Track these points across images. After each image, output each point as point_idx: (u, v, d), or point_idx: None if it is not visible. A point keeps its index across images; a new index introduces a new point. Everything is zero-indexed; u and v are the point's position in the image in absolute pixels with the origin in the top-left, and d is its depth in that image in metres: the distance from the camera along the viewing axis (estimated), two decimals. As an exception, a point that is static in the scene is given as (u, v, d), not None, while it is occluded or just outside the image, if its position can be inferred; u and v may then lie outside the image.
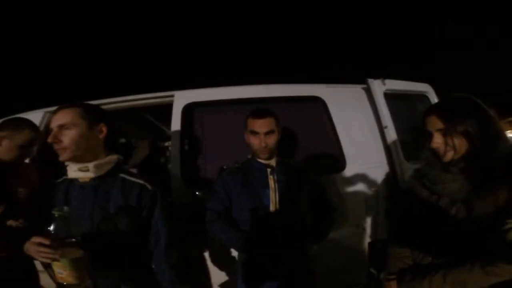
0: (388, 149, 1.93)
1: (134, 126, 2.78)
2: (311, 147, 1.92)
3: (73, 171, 1.06)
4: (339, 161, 1.90)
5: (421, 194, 1.04)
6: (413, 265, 1.05)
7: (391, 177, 1.92)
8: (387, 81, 2.04)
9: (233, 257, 1.68)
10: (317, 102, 1.99)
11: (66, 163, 1.08)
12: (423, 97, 2.32)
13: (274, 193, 1.37)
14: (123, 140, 2.57)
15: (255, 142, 1.40)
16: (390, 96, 2.02)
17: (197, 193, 1.79)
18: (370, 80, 2.03)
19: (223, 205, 1.42)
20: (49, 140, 1.02)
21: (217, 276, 1.80)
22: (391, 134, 1.91)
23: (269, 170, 1.41)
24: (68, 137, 1.02)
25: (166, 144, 2.63)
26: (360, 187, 1.90)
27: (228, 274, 1.79)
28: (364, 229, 1.91)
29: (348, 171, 1.89)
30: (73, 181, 1.08)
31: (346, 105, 2.02)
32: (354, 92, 2.11)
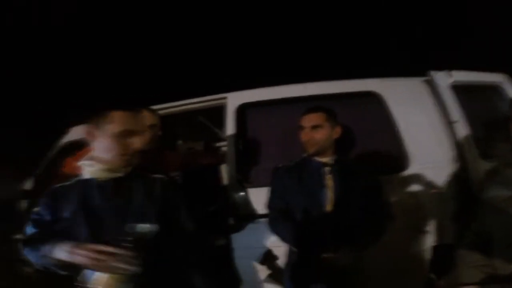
0: (458, 146, 1.75)
1: (189, 129, 2.94)
2: (369, 146, 1.83)
3: (98, 171, 1.03)
4: (401, 161, 1.77)
5: (501, 194, 0.92)
6: (494, 275, 0.93)
7: (461, 177, 1.74)
8: (454, 73, 1.87)
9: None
10: (374, 98, 1.90)
11: (87, 162, 1.05)
12: (497, 88, 2.07)
13: (331, 192, 1.33)
14: (180, 142, 2.74)
15: (302, 137, 1.41)
16: (458, 89, 1.84)
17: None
18: (433, 72, 1.88)
19: (283, 202, 1.42)
20: None
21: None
22: (462, 130, 1.74)
23: (326, 168, 1.37)
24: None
25: (219, 145, 2.74)
26: (424, 188, 1.76)
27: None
28: (426, 233, 1.76)
29: (411, 171, 1.75)
30: (88, 181, 1.04)
31: (405, 100, 1.89)
32: (414, 85, 1.96)
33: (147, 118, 1.45)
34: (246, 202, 1.81)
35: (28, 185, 3.03)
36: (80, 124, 1.11)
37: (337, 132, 1.42)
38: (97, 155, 1.05)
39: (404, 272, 1.76)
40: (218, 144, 2.76)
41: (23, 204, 2.86)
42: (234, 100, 2.07)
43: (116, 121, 1.01)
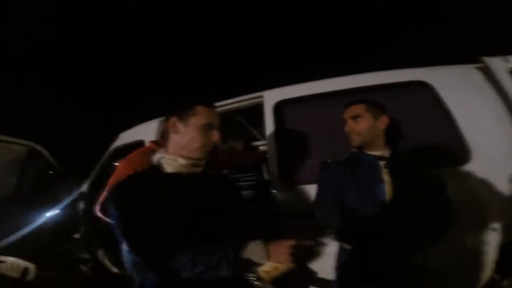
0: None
1: (228, 129, 3.01)
2: (424, 139, 1.69)
3: (181, 165, 1.04)
4: (461, 153, 1.62)
5: None
6: None
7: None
8: (511, 58, 1.69)
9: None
10: (423, 88, 1.76)
11: (170, 157, 1.06)
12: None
13: (390, 187, 1.26)
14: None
15: (345, 129, 1.39)
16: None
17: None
18: (487, 59, 1.72)
19: (330, 193, 1.36)
20: None
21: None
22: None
23: (382, 163, 1.30)
24: None
25: (258, 144, 2.75)
26: (490, 181, 1.59)
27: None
28: (493, 230, 1.58)
29: (474, 164, 1.60)
30: (171, 175, 1.05)
31: (459, 88, 1.73)
32: (466, 73, 1.79)
33: None
34: (289, 200, 1.79)
35: (85, 187, 3.32)
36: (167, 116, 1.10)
37: (383, 122, 1.35)
38: (175, 149, 1.07)
39: (467, 272, 1.63)
40: (256, 143, 2.78)
41: (81, 205, 3.15)
42: (270, 98, 2.06)
43: (200, 114, 1.06)
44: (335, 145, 1.73)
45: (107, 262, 2.97)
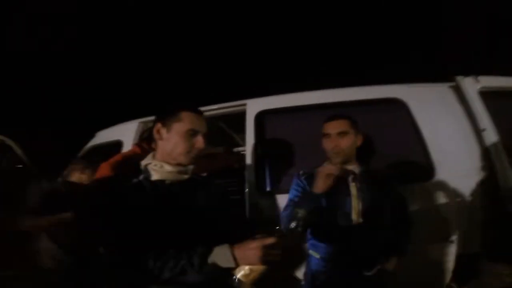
0: (486, 154, 1.68)
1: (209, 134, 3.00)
2: (393, 155, 1.78)
3: (167, 172, 1.05)
4: (427, 169, 1.72)
5: None
6: None
7: (490, 186, 1.67)
8: (481, 78, 1.80)
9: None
10: (398, 105, 1.86)
11: (156, 163, 1.06)
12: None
13: (356, 201, 1.31)
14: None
15: (327, 144, 1.38)
16: (487, 95, 1.77)
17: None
18: (459, 78, 1.82)
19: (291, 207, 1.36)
20: None
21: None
22: (491, 137, 1.66)
23: (350, 176, 1.35)
24: None
25: (239, 149, 2.76)
26: (451, 196, 1.69)
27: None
28: (451, 242, 1.69)
29: (438, 180, 1.70)
30: (156, 182, 1.04)
31: (431, 106, 1.84)
32: (440, 91, 1.90)
33: None
34: (265, 208, 1.82)
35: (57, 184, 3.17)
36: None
37: (359, 139, 1.40)
38: (161, 155, 1.07)
39: (425, 282, 1.71)
40: (238, 149, 2.79)
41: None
42: (253, 106, 2.09)
43: (184, 120, 1.05)
44: (311, 157, 1.79)
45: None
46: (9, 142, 2.89)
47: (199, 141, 1.06)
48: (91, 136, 3.02)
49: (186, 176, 1.09)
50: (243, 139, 3.24)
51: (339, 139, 1.35)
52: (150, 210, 0.98)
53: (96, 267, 1.57)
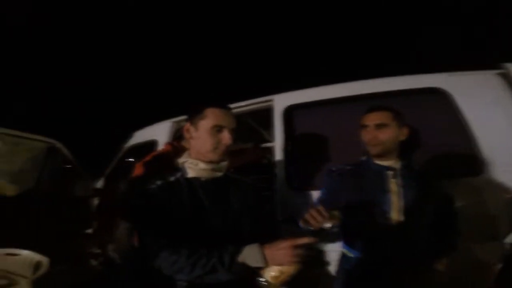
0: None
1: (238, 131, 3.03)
2: (436, 149, 1.64)
3: (202, 170, 1.06)
4: (476, 164, 1.56)
5: None
6: None
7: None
8: None
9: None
10: (439, 95, 1.70)
11: (192, 161, 1.08)
12: None
13: (397, 198, 1.22)
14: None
15: (365, 136, 1.30)
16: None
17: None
18: (508, 65, 1.63)
19: (331, 205, 1.28)
20: None
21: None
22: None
23: (390, 172, 1.26)
24: None
25: (267, 145, 2.75)
26: (501, 193, 1.52)
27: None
28: (499, 242, 1.52)
29: (489, 175, 1.54)
30: (191, 179, 1.07)
31: (477, 95, 1.66)
32: (486, 79, 1.71)
33: None
34: (295, 205, 1.79)
35: (99, 184, 3.43)
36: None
37: (403, 133, 1.30)
38: (194, 154, 1.09)
39: (467, 282, 1.56)
40: (266, 145, 2.78)
41: (95, 201, 3.26)
42: (280, 102, 2.06)
43: (209, 117, 1.06)
44: (344, 152, 1.72)
45: (116, 258, 3.06)
46: (59, 145, 3.17)
47: (225, 136, 1.05)
48: (129, 136, 3.21)
49: (220, 174, 1.10)
50: (270, 134, 3.24)
51: (377, 131, 1.27)
52: (186, 207, 1.01)
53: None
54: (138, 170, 1.65)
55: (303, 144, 1.93)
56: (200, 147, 1.07)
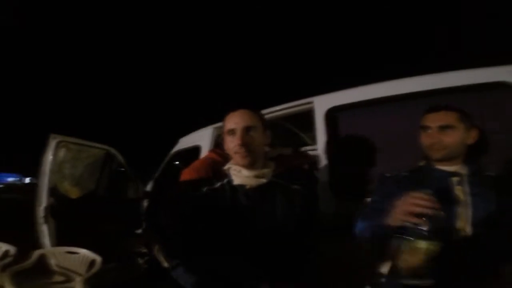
0: None
1: (277, 135, 3.01)
2: (506, 151, 1.44)
3: (245, 177, 1.06)
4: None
5: None
6: None
7: None
8: None
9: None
10: (505, 90, 1.50)
11: (236, 168, 1.08)
12: None
13: (464, 208, 1.07)
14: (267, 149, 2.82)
15: (425, 139, 1.16)
16: None
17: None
18: None
19: (379, 216, 1.15)
20: None
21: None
22: None
23: (455, 179, 1.12)
24: None
25: (308, 148, 2.68)
26: None
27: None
28: None
29: None
30: (237, 186, 1.06)
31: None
32: None
33: None
34: (341, 212, 1.70)
35: (149, 187, 3.67)
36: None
37: (472, 136, 1.15)
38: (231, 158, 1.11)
39: None
40: (306, 149, 2.71)
41: (145, 203, 3.48)
42: (321, 104, 1.99)
43: (225, 122, 1.10)
44: (394, 157, 1.59)
45: (160, 257, 3.22)
46: (113, 151, 3.47)
47: (236, 137, 1.04)
48: (175, 142, 3.41)
49: (264, 180, 1.07)
50: (311, 138, 3.15)
51: (441, 133, 1.12)
52: (229, 214, 1.02)
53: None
54: (185, 176, 1.71)
55: (349, 149, 1.84)
56: (228, 151, 1.10)
